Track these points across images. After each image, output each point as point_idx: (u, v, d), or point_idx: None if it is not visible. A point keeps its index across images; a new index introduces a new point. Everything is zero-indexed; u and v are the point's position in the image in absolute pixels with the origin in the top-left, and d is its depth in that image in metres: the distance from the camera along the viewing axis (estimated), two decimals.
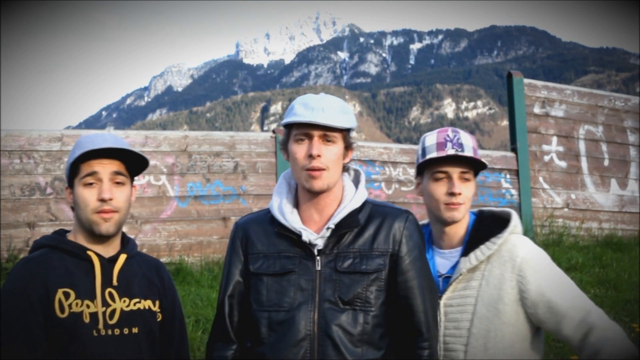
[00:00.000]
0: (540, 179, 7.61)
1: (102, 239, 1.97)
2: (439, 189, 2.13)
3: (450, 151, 2.11)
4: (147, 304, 2.01)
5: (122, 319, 1.93)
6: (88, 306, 1.89)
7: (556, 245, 6.91)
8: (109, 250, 1.99)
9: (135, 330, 1.95)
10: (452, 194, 2.10)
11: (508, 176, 7.42)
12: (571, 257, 6.33)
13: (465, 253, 2.12)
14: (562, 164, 7.80)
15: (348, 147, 1.96)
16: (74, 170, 1.97)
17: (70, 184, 2.00)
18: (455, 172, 2.12)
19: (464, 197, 2.12)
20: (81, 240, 1.98)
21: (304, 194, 1.96)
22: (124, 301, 1.95)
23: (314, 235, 1.92)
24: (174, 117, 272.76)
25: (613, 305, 5.12)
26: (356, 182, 2.04)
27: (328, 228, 1.92)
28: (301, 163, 1.89)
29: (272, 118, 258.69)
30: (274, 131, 6.70)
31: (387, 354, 1.92)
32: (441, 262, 2.19)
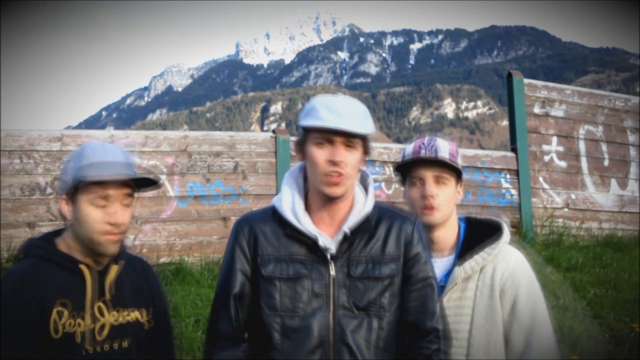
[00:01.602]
0: (540, 179, 7.61)
1: (100, 254, 1.91)
2: (414, 193, 2.16)
3: (422, 155, 2.14)
4: (135, 315, 1.97)
5: (112, 333, 1.89)
6: (79, 324, 1.84)
7: (556, 245, 6.90)
8: (101, 260, 1.93)
9: (125, 344, 1.92)
10: (424, 197, 2.12)
11: (508, 176, 7.41)
12: (571, 257, 6.32)
13: (458, 261, 2.13)
14: (562, 164, 7.79)
15: (366, 152, 1.92)
16: (78, 183, 1.85)
17: (70, 196, 1.88)
18: (428, 175, 2.14)
19: (439, 201, 2.12)
20: (74, 250, 1.90)
21: (318, 197, 1.91)
22: (113, 315, 1.91)
23: (329, 240, 1.88)
24: (174, 117, 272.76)
25: (613, 305, 5.11)
26: (364, 184, 2.02)
27: (343, 232, 1.88)
28: (322, 167, 1.84)
29: (272, 118, 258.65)
30: (274, 131, 6.68)
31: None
32: None
